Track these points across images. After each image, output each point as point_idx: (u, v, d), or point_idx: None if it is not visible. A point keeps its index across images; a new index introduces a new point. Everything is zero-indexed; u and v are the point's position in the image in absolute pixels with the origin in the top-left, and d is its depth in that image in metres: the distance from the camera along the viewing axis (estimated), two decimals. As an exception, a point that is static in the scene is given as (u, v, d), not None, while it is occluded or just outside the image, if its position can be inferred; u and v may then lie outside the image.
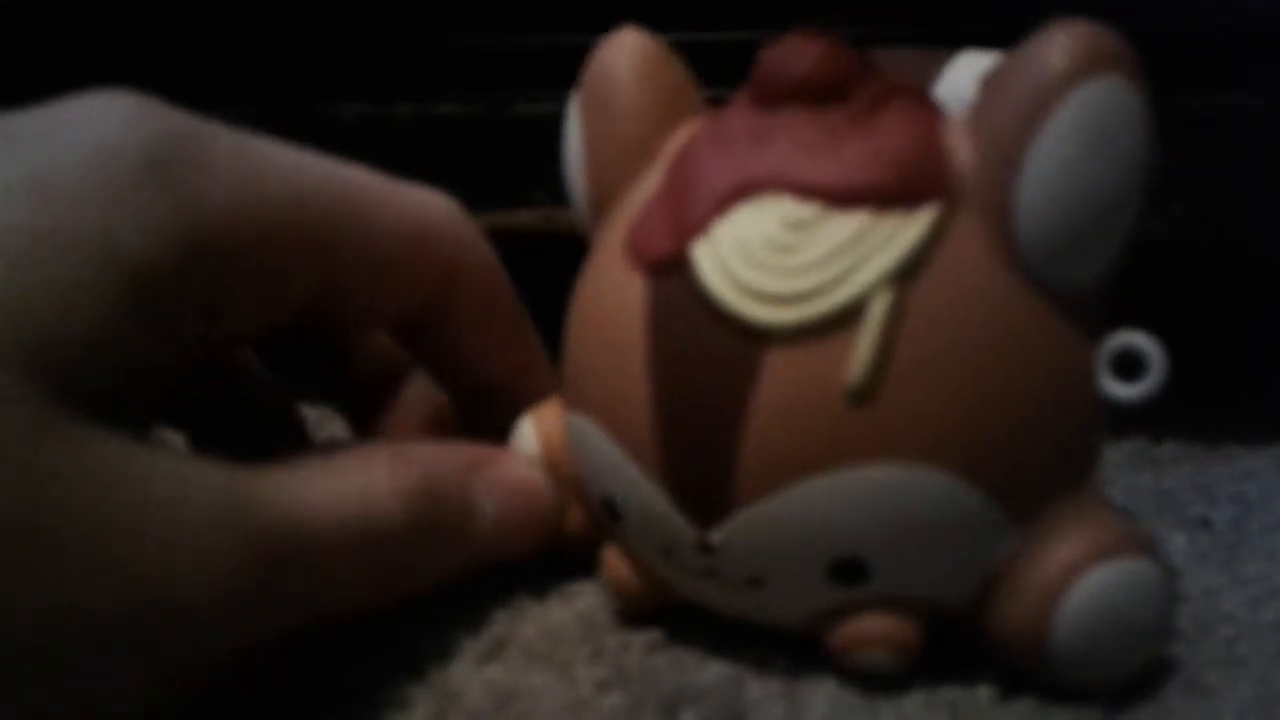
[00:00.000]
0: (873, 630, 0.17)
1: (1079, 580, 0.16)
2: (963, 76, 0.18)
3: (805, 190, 0.16)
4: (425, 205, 0.20)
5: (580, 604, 0.20)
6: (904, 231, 0.15)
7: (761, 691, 0.17)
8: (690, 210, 0.17)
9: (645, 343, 0.17)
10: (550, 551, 0.20)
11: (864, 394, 0.15)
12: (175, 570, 0.14)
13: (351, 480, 0.17)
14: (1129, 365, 0.16)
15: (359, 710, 0.17)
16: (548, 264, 0.21)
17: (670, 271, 0.17)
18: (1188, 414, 0.28)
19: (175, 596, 0.14)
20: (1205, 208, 0.27)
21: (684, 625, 0.19)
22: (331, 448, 0.19)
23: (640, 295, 0.17)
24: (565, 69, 0.20)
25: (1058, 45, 0.15)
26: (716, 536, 0.17)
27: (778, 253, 0.16)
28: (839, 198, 0.16)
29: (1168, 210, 0.27)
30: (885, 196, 0.16)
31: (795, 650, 0.18)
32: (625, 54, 0.19)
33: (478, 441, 0.21)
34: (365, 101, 0.31)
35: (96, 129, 0.16)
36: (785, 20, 0.18)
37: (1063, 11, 0.16)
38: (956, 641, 0.18)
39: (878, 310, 0.15)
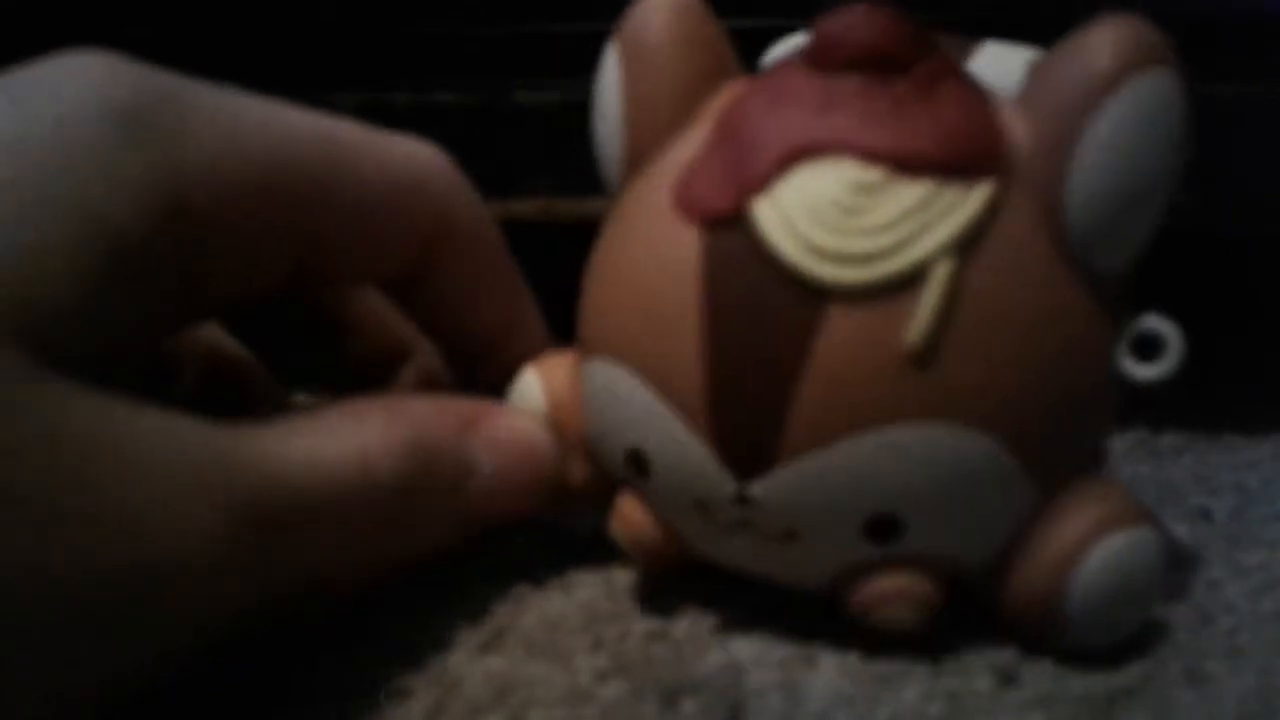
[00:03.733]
0: (895, 586, 0.17)
1: (1093, 547, 0.17)
2: (989, 67, 0.18)
3: (870, 155, 0.16)
4: (413, 155, 0.19)
5: (580, 594, 0.20)
6: (964, 203, 0.16)
7: (761, 681, 0.17)
8: (750, 167, 0.17)
9: (700, 296, 0.17)
10: (552, 508, 0.20)
11: (921, 356, 0.16)
12: (160, 532, 0.14)
13: (342, 437, 0.17)
14: (1145, 347, 0.17)
15: (358, 701, 0.17)
16: (548, 252, 0.21)
17: (728, 227, 0.17)
18: (1188, 404, 0.28)
19: (160, 559, 0.14)
20: (1209, 197, 0.26)
21: (683, 614, 0.19)
22: (323, 406, 0.18)
23: (694, 249, 0.17)
24: (565, 57, 0.20)
25: (1109, 39, 0.16)
26: (757, 489, 0.17)
27: (845, 214, 0.16)
28: (904, 165, 0.16)
29: (1171, 199, 0.26)
30: (948, 167, 0.16)
31: (795, 640, 0.18)
32: (665, 11, 0.19)
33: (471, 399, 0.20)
34: (363, 90, 0.30)
35: (69, 90, 0.15)
36: (806, 10, 0.18)
37: (1085, 8, 0.16)
38: (956, 631, 0.18)
39: (940, 276, 0.16)
